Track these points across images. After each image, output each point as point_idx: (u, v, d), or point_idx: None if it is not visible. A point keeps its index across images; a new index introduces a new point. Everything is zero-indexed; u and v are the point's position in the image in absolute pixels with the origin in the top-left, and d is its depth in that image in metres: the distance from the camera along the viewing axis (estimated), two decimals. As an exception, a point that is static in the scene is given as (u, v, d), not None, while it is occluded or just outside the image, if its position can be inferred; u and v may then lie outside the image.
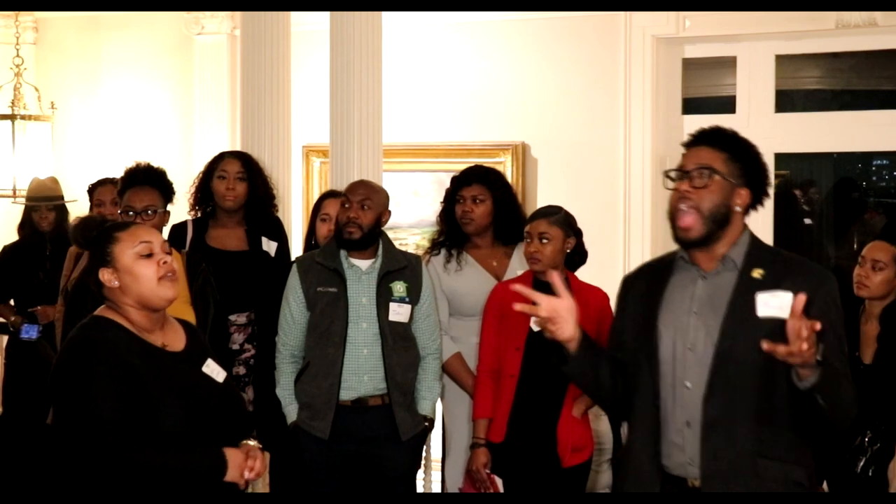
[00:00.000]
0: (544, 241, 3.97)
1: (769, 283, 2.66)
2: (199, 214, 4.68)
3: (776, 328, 2.53)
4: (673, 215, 2.74)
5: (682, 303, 2.74)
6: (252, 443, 2.89)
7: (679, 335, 2.72)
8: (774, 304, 2.61)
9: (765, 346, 2.47)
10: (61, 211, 5.73)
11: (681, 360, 2.71)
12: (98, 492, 2.72)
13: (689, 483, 2.70)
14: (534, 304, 2.72)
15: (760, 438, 2.65)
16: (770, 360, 2.57)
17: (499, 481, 4.01)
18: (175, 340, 2.91)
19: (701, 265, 2.75)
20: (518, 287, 2.80)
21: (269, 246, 4.64)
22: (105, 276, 2.83)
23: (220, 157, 4.71)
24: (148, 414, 2.70)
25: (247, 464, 2.79)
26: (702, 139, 2.78)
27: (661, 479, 2.73)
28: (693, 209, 2.69)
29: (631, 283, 2.93)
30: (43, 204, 5.65)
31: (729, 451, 2.64)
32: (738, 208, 2.73)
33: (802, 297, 2.45)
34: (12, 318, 5.58)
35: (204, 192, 4.65)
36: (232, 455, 2.78)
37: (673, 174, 2.76)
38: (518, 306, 2.73)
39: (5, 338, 5.89)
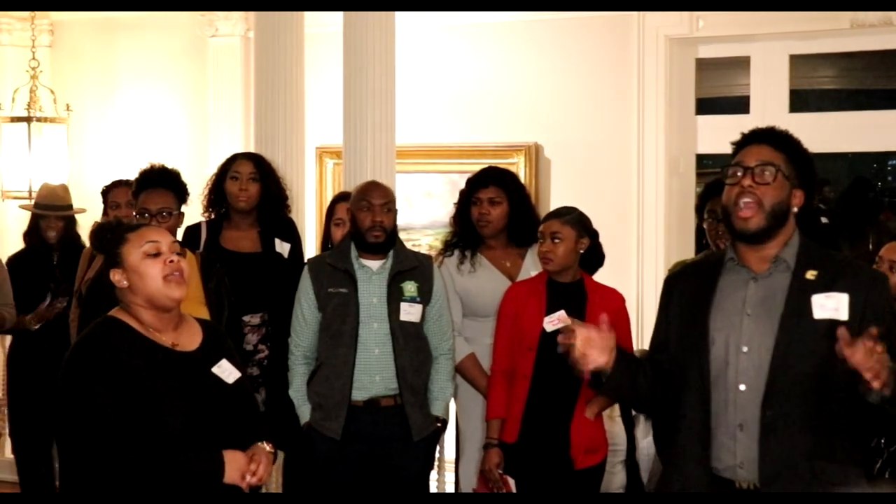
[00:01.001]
0: (556, 240, 3.97)
1: (823, 285, 2.65)
2: (212, 216, 4.69)
3: (832, 329, 2.54)
4: (731, 209, 2.72)
5: (735, 304, 2.72)
6: (265, 446, 2.88)
7: (732, 337, 2.69)
8: (830, 305, 2.61)
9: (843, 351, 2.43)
10: (70, 221, 5.51)
11: (734, 363, 2.68)
12: (93, 491, 2.73)
13: (736, 485, 2.69)
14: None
15: (818, 439, 2.64)
16: (827, 361, 2.58)
17: (512, 482, 4.00)
18: (188, 340, 2.91)
19: (752, 266, 2.73)
20: (564, 316, 2.76)
21: (283, 247, 4.65)
22: (115, 276, 2.86)
23: (233, 159, 4.72)
24: (147, 415, 2.71)
25: (249, 467, 2.79)
26: (760, 137, 2.76)
27: (709, 480, 2.71)
28: (756, 204, 2.68)
29: (674, 283, 2.91)
30: (52, 213, 5.43)
31: (788, 453, 2.63)
32: (794, 209, 2.73)
33: (843, 330, 2.44)
34: (28, 318, 5.24)
35: (217, 193, 4.66)
36: (231, 457, 2.78)
37: (731, 170, 2.73)
38: (562, 338, 2.71)
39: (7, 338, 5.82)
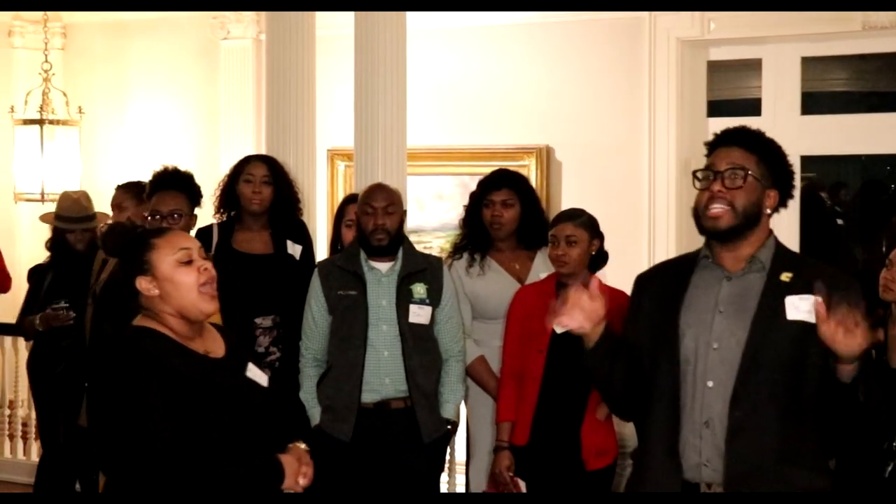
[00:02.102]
0: (571, 243, 3.97)
1: (798, 287, 2.63)
2: (223, 218, 4.70)
3: (805, 331, 2.54)
4: (701, 212, 2.70)
5: (707, 302, 2.70)
6: (302, 446, 2.84)
7: (702, 333, 2.67)
8: (804, 307, 2.59)
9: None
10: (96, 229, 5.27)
11: (703, 359, 2.66)
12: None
13: (700, 489, 2.65)
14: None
15: (786, 443, 2.61)
16: (798, 363, 2.57)
17: (522, 484, 4.00)
18: (215, 347, 2.83)
19: (726, 265, 2.71)
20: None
21: (294, 249, 4.65)
22: (143, 284, 2.72)
23: (247, 161, 4.72)
24: (198, 423, 2.63)
25: (301, 469, 2.75)
26: (731, 139, 2.75)
27: (677, 480, 2.67)
28: (727, 206, 2.66)
29: (646, 281, 2.88)
30: (78, 227, 5.22)
31: (754, 454, 2.61)
32: (767, 210, 2.71)
33: (819, 300, 2.44)
34: (37, 321, 5.15)
35: (229, 195, 4.66)
36: (287, 462, 2.73)
37: (702, 174, 2.73)
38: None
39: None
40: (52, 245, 5.36)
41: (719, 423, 2.62)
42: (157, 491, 2.61)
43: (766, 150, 2.73)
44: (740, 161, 2.68)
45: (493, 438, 4.15)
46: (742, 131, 2.77)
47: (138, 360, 2.64)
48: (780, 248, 2.74)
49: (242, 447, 2.70)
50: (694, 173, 2.75)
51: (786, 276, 2.66)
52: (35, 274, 5.38)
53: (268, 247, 4.63)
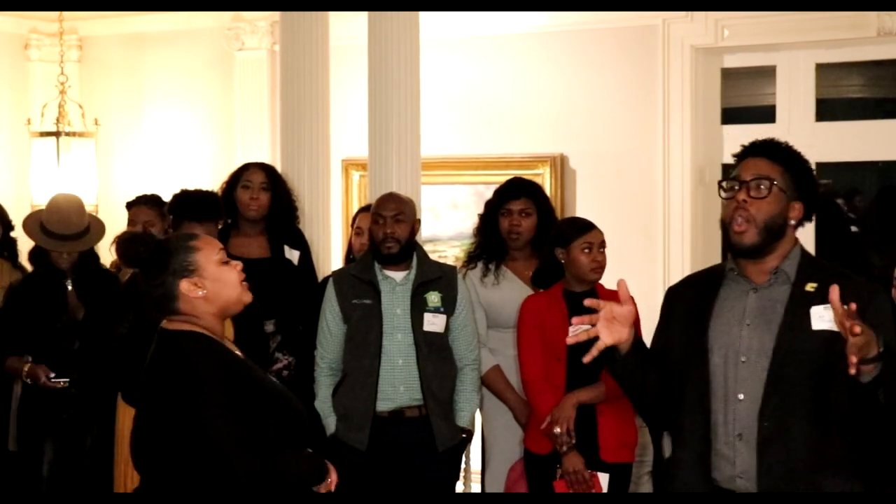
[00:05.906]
0: (603, 249, 4.00)
1: (823, 297, 2.64)
2: (220, 225, 4.69)
3: (831, 340, 2.56)
4: (728, 225, 2.75)
5: (734, 315, 2.74)
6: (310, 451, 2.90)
7: (731, 347, 2.71)
8: (829, 317, 2.60)
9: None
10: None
11: (733, 372, 2.70)
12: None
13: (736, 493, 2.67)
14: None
15: (817, 452, 2.64)
16: (825, 372, 2.59)
17: (604, 479, 3.95)
18: (236, 347, 2.89)
19: (752, 278, 2.76)
20: (590, 301, 2.75)
21: (292, 254, 4.67)
22: (186, 286, 2.73)
23: (245, 168, 4.77)
24: (257, 423, 2.67)
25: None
26: (757, 150, 2.79)
27: (710, 491, 2.70)
28: (749, 219, 2.70)
29: (676, 294, 2.93)
30: (66, 248, 4.59)
31: (786, 465, 2.63)
32: (792, 221, 2.75)
33: (835, 289, 2.44)
34: (26, 368, 4.56)
35: (227, 202, 4.66)
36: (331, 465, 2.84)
37: (727, 184, 2.77)
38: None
39: None
40: (33, 256, 4.74)
41: (752, 436, 2.66)
42: (228, 489, 2.63)
43: (792, 162, 2.77)
44: (766, 171, 2.72)
45: (508, 446, 4.16)
46: (769, 143, 2.81)
47: (201, 363, 2.66)
48: (805, 258, 2.78)
49: (291, 445, 2.76)
50: (719, 183, 2.80)
51: (811, 287, 2.70)
52: (17, 295, 4.69)
53: (265, 251, 4.64)
